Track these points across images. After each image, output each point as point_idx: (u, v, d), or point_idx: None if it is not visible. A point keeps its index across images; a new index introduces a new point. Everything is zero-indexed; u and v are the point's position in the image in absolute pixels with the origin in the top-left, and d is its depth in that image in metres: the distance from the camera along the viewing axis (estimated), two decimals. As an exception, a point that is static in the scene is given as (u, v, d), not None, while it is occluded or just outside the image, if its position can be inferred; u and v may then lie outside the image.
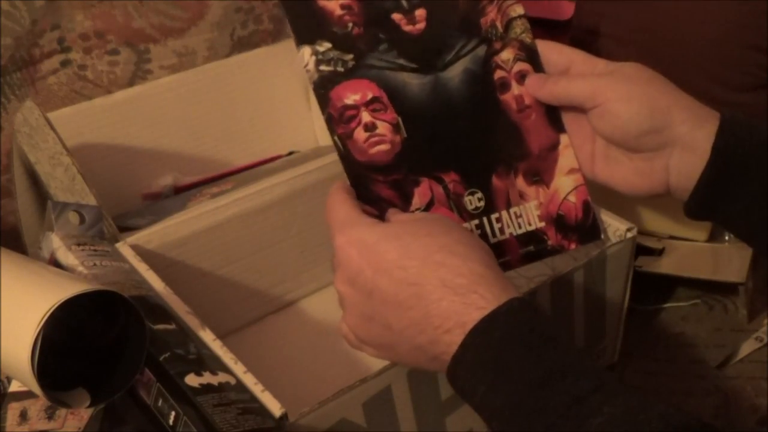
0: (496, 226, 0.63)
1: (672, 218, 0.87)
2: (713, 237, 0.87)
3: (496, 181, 0.63)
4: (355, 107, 0.61)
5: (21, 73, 0.89)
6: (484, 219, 0.63)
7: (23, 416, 0.59)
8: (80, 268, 0.64)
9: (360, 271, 0.52)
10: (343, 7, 0.61)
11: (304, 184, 0.80)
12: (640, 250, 0.83)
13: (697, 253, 0.87)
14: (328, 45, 0.60)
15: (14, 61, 0.88)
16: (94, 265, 0.65)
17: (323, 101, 0.61)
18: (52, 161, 0.74)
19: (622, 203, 0.73)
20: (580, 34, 0.97)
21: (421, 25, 0.62)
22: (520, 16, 0.65)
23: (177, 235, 0.74)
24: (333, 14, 0.61)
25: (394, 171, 0.61)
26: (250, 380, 0.57)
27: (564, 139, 0.65)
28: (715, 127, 0.58)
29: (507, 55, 0.64)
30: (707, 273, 0.85)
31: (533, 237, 0.64)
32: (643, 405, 0.44)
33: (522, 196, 0.64)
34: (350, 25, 0.61)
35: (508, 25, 0.64)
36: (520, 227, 0.64)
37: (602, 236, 0.66)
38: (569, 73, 0.64)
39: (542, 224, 0.64)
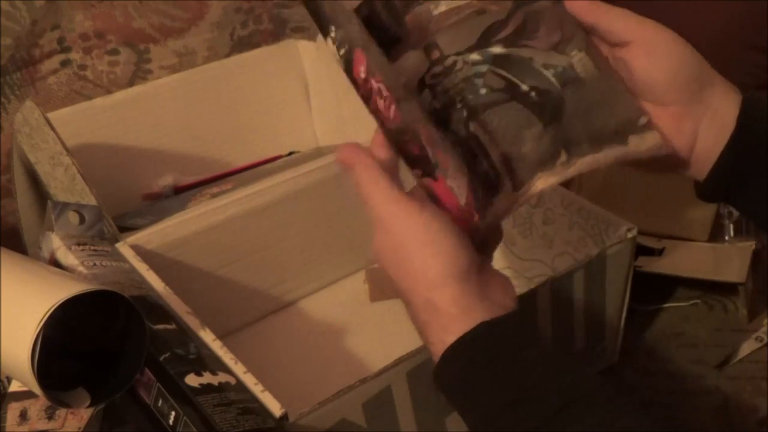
0: None
1: (672, 218, 0.87)
2: (713, 237, 0.87)
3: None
4: (366, 78, 0.59)
5: (21, 73, 0.89)
6: None
7: (23, 416, 0.59)
8: (80, 268, 0.64)
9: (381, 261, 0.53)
10: None
11: (304, 184, 0.80)
12: (640, 250, 0.83)
13: (697, 253, 0.87)
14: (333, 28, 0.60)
15: (14, 61, 0.88)
16: (94, 265, 0.65)
17: (354, 84, 0.60)
18: (52, 161, 0.74)
19: (622, 203, 0.73)
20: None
21: None
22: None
23: (177, 235, 0.74)
24: None
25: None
26: (250, 380, 0.57)
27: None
28: (740, 99, 0.57)
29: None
30: (707, 273, 0.85)
31: None
32: (609, 419, 0.45)
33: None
34: None
35: None
36: None
37: None
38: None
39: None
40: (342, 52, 0.57)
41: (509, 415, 0.47)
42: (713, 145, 0.57)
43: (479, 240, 0.55)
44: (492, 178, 0.57)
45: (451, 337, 0.49)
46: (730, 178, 0.58)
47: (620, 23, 0.58)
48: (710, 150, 0.58)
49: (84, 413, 0.58)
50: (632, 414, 0.46)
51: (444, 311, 0.50)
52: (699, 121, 0.58)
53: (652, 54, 0.58)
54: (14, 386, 0.60)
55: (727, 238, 0.87)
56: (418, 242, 0.51)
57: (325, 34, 0.58)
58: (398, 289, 0.53)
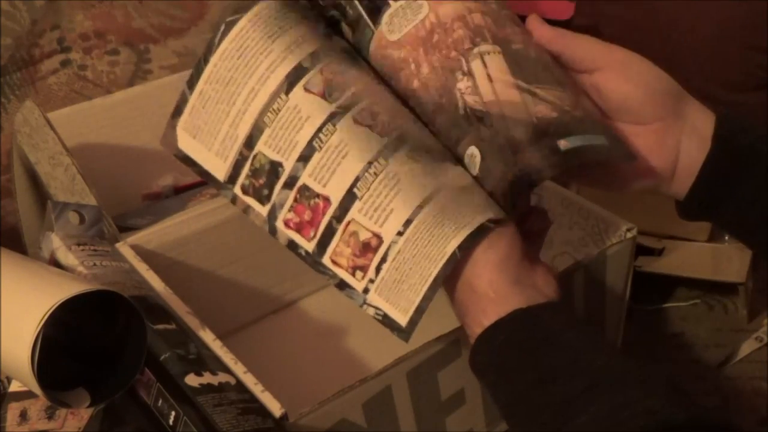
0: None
1: (672, 218, 0.86)
2: (713, 237, 0.87)
3: None
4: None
5: (21, 73, 0.89)
6: None
7: (23, 416, 0.59)
8: (80, 268, 0.64)
9: None
10: None
11: (304, 184, 0.80)
12: (640, 250, 0.83)
13: (697, 253, 0.87)
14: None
15: (14, 61, 0.88)
16: (94, 265, 0.65)
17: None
18: (52, 161, 0.74)
19: (622, 203, 0.73)
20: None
21: None
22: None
23: (177, 235, 0.74)
24: None
25: None
26: (250, 380, 0.57)
27: None
28: (714, 117, 0.58)
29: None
30: (707, 273, 0.85)
31: None
32: (631, 401, 0.46)
33: None
34: None
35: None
36: None
37: None
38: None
39: None
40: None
41: (535, 393, 0.49)
42: (694, 161, 0.58)
43: (524, 229, 0.57)
44: None
45: (487, 321, 0.52)
46: (710, 194, 0.58)
47: (586, 51, 0.59)
48: (691, 167, 0.58)
49: (84, 413, 0.58)
50: (660, 396, 0.47)
51: (482, 295, 0.53)
52: (680, 135, 0.58)
53: (624, 74, 0.58)
54: (14, 386, 0.60)
55: (726, 238, 0.87)
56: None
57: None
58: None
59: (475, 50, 0.57)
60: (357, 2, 0.59)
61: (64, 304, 0.52)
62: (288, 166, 0.56)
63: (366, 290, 0.55)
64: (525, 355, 0.51)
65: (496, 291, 0.53)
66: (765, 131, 0.58)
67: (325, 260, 0.56)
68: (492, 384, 0.53)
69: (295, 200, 0.56)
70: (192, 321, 0.62)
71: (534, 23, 0.60)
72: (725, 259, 0.85)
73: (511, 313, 0.52)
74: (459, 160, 0.57)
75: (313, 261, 0.57)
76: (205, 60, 0.58)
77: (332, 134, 0.55)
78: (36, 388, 0.53)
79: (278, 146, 0.56)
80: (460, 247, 0.53)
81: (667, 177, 0.59)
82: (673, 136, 0.58)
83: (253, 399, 0.56)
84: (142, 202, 0.89)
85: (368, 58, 0.60)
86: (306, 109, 0.56)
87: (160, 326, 0.59)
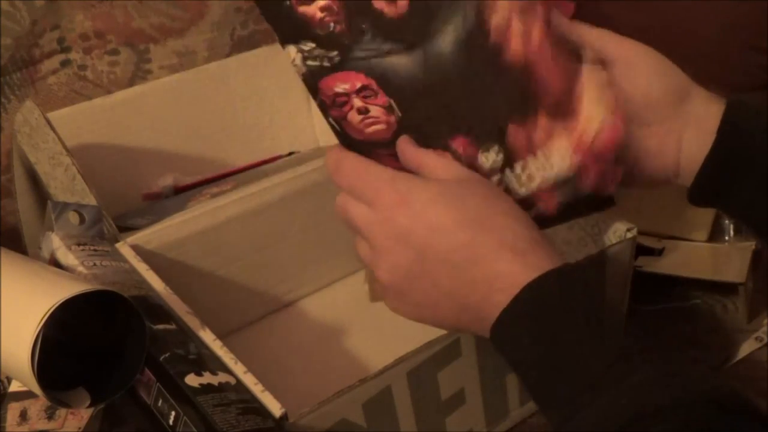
0: (523, 174, 0.59)
1: (672, 218, 0.87)
2: (713, 237, 0.87)
3: (512, 129, 0.59)
4: (346, 94, 0.60)
5: (21, 73, 0.89)
6: (507, 171, 0.59)
7: (23, 416, 0.59)
8: (80, 268, 0.64)
9: (412, 230, 0.53)
10: (322, 9, 0.59)
11: (304, 184, 0.80)
12: (640, 250, 0.83)
13: (697, 253, 0.87)
14: (311, 45, 0.60)
15: (14, 61, 0.88)
16: (94, 265, 0.65)
17: (314, 91, 0.60)
18: (52, 161, 0.74)
19: (622, 203, 0.73)
20: (580, 34, 0.97)
21: (403, 4, 0.59)
22: None
23: (177, 235, 0.74)
24: (314, 18, 0.60)
25: (395, 146, 0.60)
26: (250, 380, 0.57)
27: (586, 67, 0.59)
28: (722, 107, 0.58)
29: None
30: (707, 273, 0.85)
31: (569, 180, 0.59)
32: (682, 367, 0.46)
33: (549, 135, 0.59)
34: (332, 25, 0.60)
35: None
36: (552, 167, 0.59)
37: None
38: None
39: (578, 157, 0.59)
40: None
41: (590, 344, 0.47)
42: (698, 154, 0.58)
43: None
44: None
45: (535, 273, 0.50)
46: (715, 183, 0.58)
47: (602, 42, 0.59)
48: (696, 158, 0.58)
49: (84, 413, 0.58)
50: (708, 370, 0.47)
51: (543, 250, 0.52)
52: (681, 135, 0.59)
53: (627, 74, 0.58)
54: (14, 386, 0.60)
55: (726, 238, 0.87)
56: (511, 209, 0.54)
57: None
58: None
59: None
60: None
61: (64, 304, 0.52)
62: None
63: None
64: (580, 308, 0.49)
65: (541, 245, 0.52)
66: None
67: None
68: (539, 333, 0.49)
69: None
70: (192, 321, 0.62)
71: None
72: (725, 259, 0.85)
73: (561, 266, 0.50)
74: None
75: None
76: None
77: None
78: (36, 388, 0.53)
79: None
80: None
81: (672, 175, 0.59)
82: (673, 137, 0.58)
83: (253, 399, 0.56)
84: (142, 202, 0.89)
85: None
86: None
87: (160, 326, 0.59)
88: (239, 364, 0.59)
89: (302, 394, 0.59)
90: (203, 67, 0.95)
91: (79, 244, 0.67)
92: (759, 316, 0.85)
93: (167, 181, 0.90)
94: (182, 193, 0.88)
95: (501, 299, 0.50)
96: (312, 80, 0.60)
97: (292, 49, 0.60)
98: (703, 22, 0.88)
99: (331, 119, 0.60)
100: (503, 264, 0.51)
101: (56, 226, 0.68)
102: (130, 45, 0.94)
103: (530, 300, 0.50)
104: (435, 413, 0.65)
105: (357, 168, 0.56)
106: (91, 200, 0.71)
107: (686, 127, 0.58)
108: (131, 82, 0.95)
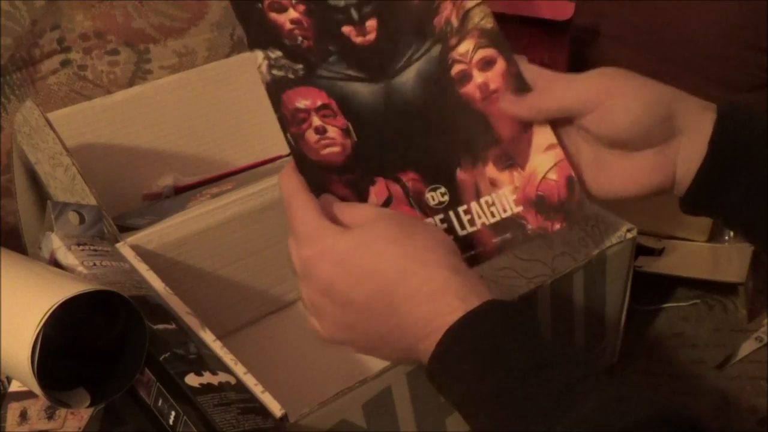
0: (465, 218, 0.62)
1: (672, 218, 0.87)
2: (713, 237, 0.87)
3: (460, 174, 0.62)
4: (306, 111, 0.61)
5: (21, 73, 0.89)
6: (450, 213, 0.61)
7: (23, 416, 0.59)
8: (80, 268, 0.64)
9: (332, 284, 0.53)
10: (292, 21, 0.61)
11: (304, 184, 0.80)
12: (640, 250, 0.83)
13: (697, 253, 0.87)
14: (279, 53, 0.61)
15: (14, 61, 0.88)
16: (94, 265, 0.65)
17: (276, 102, 0.61)
18: (52, 161, 0.74)
19: (622, 203, 0.73)
20: (580, 34, 0.97)
21: (371, 36, 0.62)
22: (477, 4, 0.63)
23: (177, 235, 0.74)
24: (283, 28, 0.61)
25: (347, 171, 0.60)
26: (250, 381, 0.57)
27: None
28: (714, 118, 0.58)
29: (465, 47, 0.63)
30: (707, 273, 0.85)
31: (510, 223, 0.62)
32: (632, 391, 0.46)
33: (494, 184, 0.62)
34: (300, 38, 0.61)
35: (464, 16, 0.63)
36: (493, 216, 0.62)
37: (588, 212, 0.63)
38: (538, 89, 0.61)
39: (519, 209, 0.62)
40: None
41: (535, 379, 0.47)
42: (693, 166, 0.59)
43: None
44: None
45: (449, 318, 0.49)
46: (707, 194, 0.59)
47: (572, 97, 0.59)
48: (691, 171, 0.59)
49: (84, 413, 0.58)
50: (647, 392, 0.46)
51: (453, 293, 0.51)
52: (675, 153, 0.59)
53: (607, 117, 0.58)
54: (14, 386, 0.60)
55: (726, 238, 0.87)
56: (422, 250, 0.53)
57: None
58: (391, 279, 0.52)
59: None
60: None
61: (64, 304, 0.52)
62: None
63: None
64: (517, 342, 0.48)
65: (454, 286, 0.51)
66: (766, 125, 0.58)
67: None
68: (478, 373, 0.48)
69: None
70: (192, 321, 0.62)
71: (507, 104, 0.61)
72: (725, 259, 0.85)
73: (483, 304, 0.50)
74: None
75: None
76: None
77: None
78: (36, 388, 0.53)
79: None
80: None
81: (669, 185, 0.60)
82: (667, 157, 0.59)
83: (253, 399, 0.56)
84: (142, 202, 0.89)
85: None
86: None
87: (160, 326, 0.59)
88: (239, 364, 0.59)
89: (302, 395, 0.59)
90: (203, 67, 0.95)
91: (79, 244, 0.67)
92: (759, 316, 0.85)
93: (167, 181, 0.90)
94: (182, 193, 0.88)
95: (427, 347, 0.50)
96: (275, 90, 0.61)
97: (259, 55, 0.61)
98: (703, 22, 0.88)
99: (289, 135, 0.60)
100: (416, 314, 0.51)
101: (56, 226, 0.68)
102: (130, 45, 0.94)
103: (462, 340, 0.49)
104: (435, 413, 0.65)
105: (291, 205, 0.56)
106: (91, 200, 0.71)
107: (680, 142, 0.58)
108: (131, 82, 0.95)
